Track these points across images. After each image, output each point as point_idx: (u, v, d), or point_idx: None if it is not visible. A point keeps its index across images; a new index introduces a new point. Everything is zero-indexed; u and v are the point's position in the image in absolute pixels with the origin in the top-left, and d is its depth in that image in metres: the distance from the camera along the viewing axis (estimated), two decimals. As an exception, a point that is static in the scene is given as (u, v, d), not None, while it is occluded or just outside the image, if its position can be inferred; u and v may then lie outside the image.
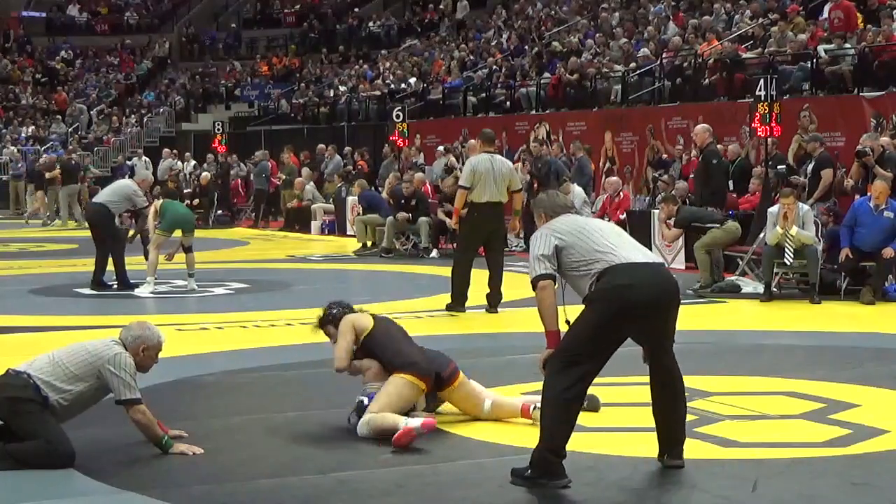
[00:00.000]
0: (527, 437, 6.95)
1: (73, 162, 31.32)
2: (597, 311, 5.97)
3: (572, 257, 6.07)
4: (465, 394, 7.36)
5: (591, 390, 7.02)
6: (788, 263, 13.32)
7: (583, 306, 6.10)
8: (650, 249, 17.33)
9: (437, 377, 7.20)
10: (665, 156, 20.89)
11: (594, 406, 7.41)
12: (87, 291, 14.76)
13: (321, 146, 28.37)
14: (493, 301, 12.62)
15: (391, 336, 7.41)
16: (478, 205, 12.39)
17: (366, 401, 7.03)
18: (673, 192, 16.87)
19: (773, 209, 13.67)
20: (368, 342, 7.32)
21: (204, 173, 29.08)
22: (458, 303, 12.63)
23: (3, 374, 6.60)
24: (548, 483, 5.84)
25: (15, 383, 6.43)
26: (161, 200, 15.40)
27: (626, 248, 6.10)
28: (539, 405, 6.24)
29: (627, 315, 5.96)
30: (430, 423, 6.81)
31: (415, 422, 6.76)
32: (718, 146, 18.85)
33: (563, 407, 5.90)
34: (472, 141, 22.82)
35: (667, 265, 6.13)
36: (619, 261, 5.99)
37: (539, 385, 7.42)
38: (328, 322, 7.51)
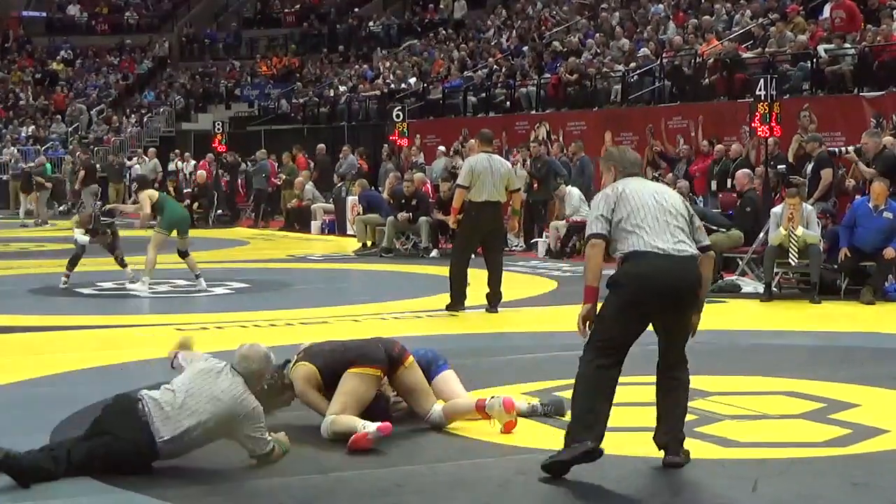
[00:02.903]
0: (527, 437, 6.96)
1: (116, 165, 31.73)
2: (615, 297, 6.17)
3: (619, 225, 6.21)
4: (415, 380, 7.10)
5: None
6: (793, 263, 13.32)
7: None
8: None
9: (390, 360, 7.00)
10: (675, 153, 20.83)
11: (560, 410, 7.34)
12: (87, 291, 14.75)
13: (321, 146, 28.39)
14: (493, 301, 12.61)
15: (327, 352, 7.18)
16: (476, 204, 12.39)
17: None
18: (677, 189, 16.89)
19: (777, 209, 13.66)
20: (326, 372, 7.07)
21: (200, 172, 29.10)
22: (457, 302, 12.62)
23: (139, 415, 6.08)
24: (571, 446, 6.02)
25: (134, 434, 6.01)
26: (157, 192, 15.42)
27: (655, 233, 6.14)
28: (492, 398, 6.81)
29: (641, 305, 6.10)
30: (386, 427, 6.66)
31: (371, 426, 6.63)
32: (719, 146, 18.91)
33: (592, 377, 6.10)
34: (473, 141, 22.89)
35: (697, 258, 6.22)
36: (642, 247, 6.11)
37: (538, 385, 7.46)
38: (274, 395, 6.97)
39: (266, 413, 6.44)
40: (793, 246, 13.19)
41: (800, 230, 13.11)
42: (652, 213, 6.19)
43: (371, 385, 6.97)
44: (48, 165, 34.75)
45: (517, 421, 7.09)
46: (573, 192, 19.19)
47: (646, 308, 6.11)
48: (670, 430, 6.30)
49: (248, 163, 29.72)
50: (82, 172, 30.53)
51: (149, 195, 14.95)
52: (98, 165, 33.03)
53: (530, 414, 7.39)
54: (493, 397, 7.11)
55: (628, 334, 6.14)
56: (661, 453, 6.35)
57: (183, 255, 14.97)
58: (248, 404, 6.17)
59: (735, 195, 15.84)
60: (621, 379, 7.70)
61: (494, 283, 12.63)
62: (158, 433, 6.05)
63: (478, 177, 12.35)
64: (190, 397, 6.12)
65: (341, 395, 6.90)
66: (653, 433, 6.38)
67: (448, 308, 12.60)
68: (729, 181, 17.24)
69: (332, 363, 7.05)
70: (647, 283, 6.07)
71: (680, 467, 6.23)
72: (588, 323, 6.20)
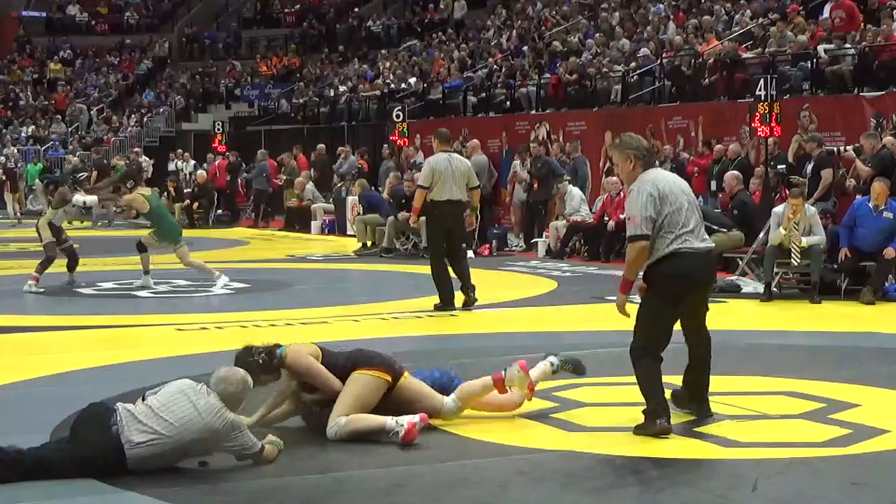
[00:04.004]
0: (527, 437, 6.96)
1: (135, 165, 31.82)
2: (657, 297, 6.85)
3: (662, 225, 6.79)
4: (416, 389, 7.09)
5: (590, 389, 7.08)
6: (796, 264, 13.33)
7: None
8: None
9: (394, 371, 7.00)
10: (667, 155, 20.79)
11: (578, 368, 7.46)
12: (88, 291, 14.75)
13: (321, 146, 28.39)
14: (469, 289, 12.75)
15: (334, 351, 7.22)
16: (439, 203, 12.67)
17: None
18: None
19: (778, 209, 13.66)
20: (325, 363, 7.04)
21: (200, 171, 29.10)
22: (447, 302, 12.71)
23: (109, 426, 6.08)
24: (657, 424, 6.70)
25: (101, 440, 6.02)
26: (149, 191, 15.38)
27: (692, 234, 6.84)
28: (509, 367, 7.14)
29: (680, 299, 6.90)
30: (425, 417, 6.78)
31: (413, 417, 6.72)
32: (719, 146, 18.90)
33: (656, 369, 6.83)
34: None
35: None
36: (685, 247, 6.79)
37: (538, 385, 7.46)
38: (266, 371, 6.88)
39: (256, 384, 6.49)
40: (795, 247, 13.20)
41: (804, 241, 13.11)
42: (687, 212, 6.84)
43: (378, 388, 6.91)
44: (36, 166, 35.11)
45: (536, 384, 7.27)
46: (574, 192, 19.19)
47: (683, 299, 6.90)
48: (699, 397, 7.17)
49: (247, 172, 29.64)
50: (95, 173, 30.48)
51: (142, 197, 14.84)
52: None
53: (551, 375, 7.45)
54: (507, 368, 7.18)
55: (671, 325, 6.95)
56: (663, 452, 6.40)
57: (141, 248, 14.89)
58: (226, 417, 6.11)
59: (729, 198, 15.83)
60: (621, 379, 7.73)
61: (464, 278, 12.79)
62: (129, 440, 6.01)
63: (439, 176, 12.63)
64: (167, 410, 6.09)
65: (350, 395, 6.83)
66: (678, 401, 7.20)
67: (437, 308, 12.67)
68: (714, 183, 17.26)
69: (334, 355, 7.05)
70: (687, 280, 6.87)
71: (711, 416, 7.13)
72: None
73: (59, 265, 14.99)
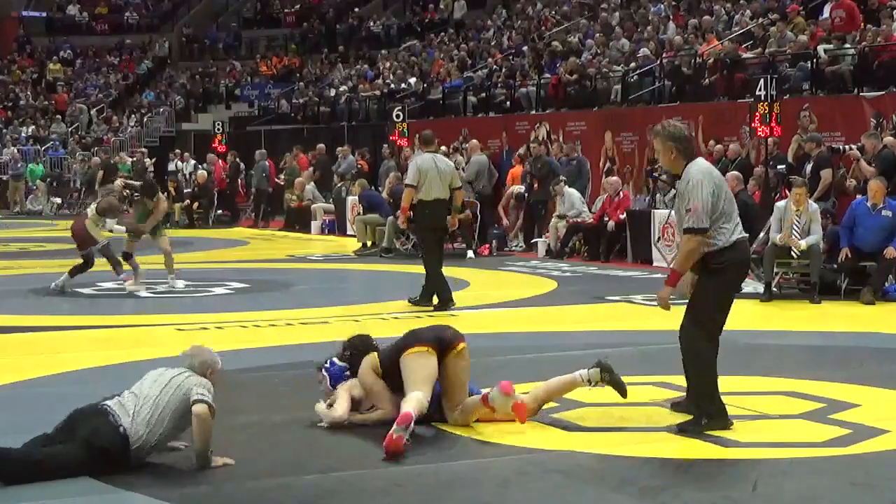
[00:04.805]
0: (527, 437, 6.96)
1: (139, 165, 31.83)
2: (720, 282, 7.01)
3: (719, 216, 6.90)
4: (458, 370, 7.19)
5: (590, 389, 7.08)
6: (796, 257, 13.33)
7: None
8: (650, 250, 17.59)
9: (440, 341, 7.14)
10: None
11: (618, 385, 7.34)
12: (88, 291, 14.74)
13: (321, 146, 28.39)
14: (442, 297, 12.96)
15: (387, 347, 7.40)
16: (427, 202, 12.85)
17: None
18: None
19: (780, 204, 13.67)
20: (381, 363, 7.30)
21: (201, 171, 29.11)
22: (446, 300, 12.86)
23: (106, 415, 6.29)
24: (715, 426, 6.81)
25: (112, 439, 6.19)
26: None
27: (738, 223, 7.02)
28: (492, 390, 7.05)
29: (739, 286, 7.32)
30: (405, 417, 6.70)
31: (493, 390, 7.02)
32: (718, 146, 18.90)
33: (712, 358, 6.97)
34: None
35: (667, 265, 6.82)
36: (738, 237, 6.97)
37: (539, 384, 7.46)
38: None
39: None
40: (794, 250, 13.22)
41: (802, 244, 13.12)
42: (733, 202, 7.04)
43: (427, 360, 7.05)
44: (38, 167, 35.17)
45: (524, 403, 7.14)
46: (570, 193, 19.18)
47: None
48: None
49: (248, 174, 29.64)
50: (101, 172, 30.47)
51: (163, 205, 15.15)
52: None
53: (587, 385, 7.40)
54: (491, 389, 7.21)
55: (725, 311, 7.14)
56: (663, 452, 6.38)
57: (127, 257, 14.92)
58: (197, 382, 6.40)
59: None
60: (622, 379, 7.72)
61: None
62: (127, 426, 6.19)
63: (425, 176, 12.80)
64: (145, 387, 6.40)
65: (409, 380, 6.98)
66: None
67: (437, 308, 12.74)
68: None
69: (387, 350, 7.29)
70: (744, 268, 7.29)
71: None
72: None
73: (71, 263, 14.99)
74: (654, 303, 7.67)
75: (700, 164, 7.05)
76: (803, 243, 13.12)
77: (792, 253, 13.28)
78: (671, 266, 7.00)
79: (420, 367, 7.01)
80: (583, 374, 7.29)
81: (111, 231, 14.86)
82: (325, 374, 7.42)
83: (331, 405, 7.22)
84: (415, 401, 6.76)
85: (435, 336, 7.19)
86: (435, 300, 12.85)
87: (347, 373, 7.37)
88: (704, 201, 6.81)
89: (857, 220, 13.30)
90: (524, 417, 7.07)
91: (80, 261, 14.62)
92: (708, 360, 7.00)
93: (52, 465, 6.07)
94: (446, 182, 12.92)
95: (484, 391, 7.25)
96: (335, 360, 7.45)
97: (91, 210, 14.72)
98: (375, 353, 7.36)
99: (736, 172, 15.93)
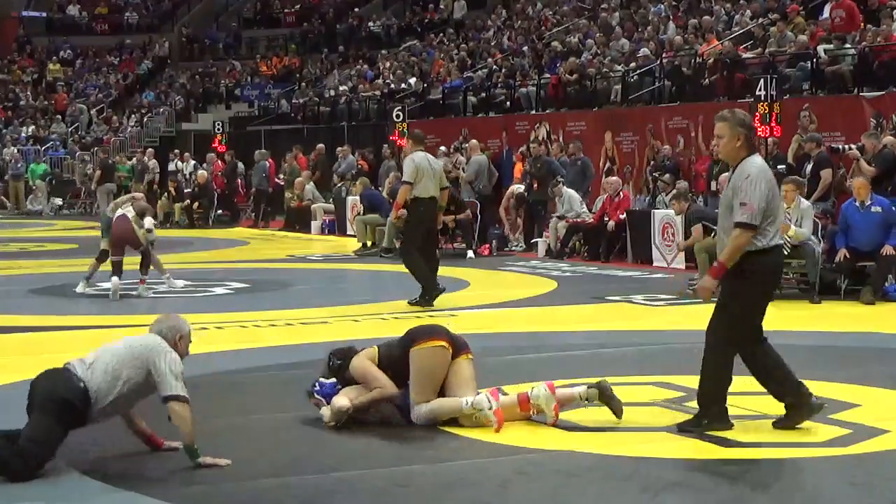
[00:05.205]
0: (527, 437, 6.96)
1: (140, 166, 31.75)
2: (759, 288, 6.95)
3: (766, 216, 6.81)
4: (467, 376, 7.20)
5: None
6: (786, 252, 13.32)
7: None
8: (650, 250, 17.59)
9: (453, 338, 7.19)
10: (667, 155, 20.74)
11: (613, 404, 7.23)
12: (88, 291, 14.71)
13: (320, 146, 28.39)
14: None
15: (391, 342, 7.42)
16: (423, 200, 13.00)
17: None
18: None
19: None
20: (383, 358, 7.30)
21: (201, 171, 29.12)
22: (431, 288, 13.01)
23: (62, 370, 6.56)
24: (716, 427, 6.81)
25: (70, 386, 6.38)
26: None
27: (780, 231, 6.97)
28: (535, 388, 7.05)
29: (772, 292, 7.16)
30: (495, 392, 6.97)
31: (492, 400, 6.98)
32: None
33: (725, 359, 6.99)
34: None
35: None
36: (777, 242, 6.89)
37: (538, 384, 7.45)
38: (339, 375, 7.32)
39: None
40: (786, 237, 13.21)
41: (792, 230, 13.11)
42: (779, 206, 7.03)
43: (440, 357, 7.07)
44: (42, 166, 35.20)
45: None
46: (569, 194, 19.17)
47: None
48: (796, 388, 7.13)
49: (248, 174, 29.62)
50: (98, 172, 30.50)
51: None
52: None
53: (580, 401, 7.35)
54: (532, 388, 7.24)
55: (758, 315, 7.04)
56: (663, 452, 6.40)
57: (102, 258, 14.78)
58: (166, 347, 6.47)
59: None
60: (623, 379, 7.73)
61: (434, 270, 13.22)
62: (82, 375, 6.40)
63: (422, 173, 12.98)
64: (112, 345, 6.63)
65: (414, 375, 7.02)
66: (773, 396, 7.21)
67: (423, 298, 12.91)
68: (714, 183, 17.25)
69: (389, 345, 7.30)
70: (778, 274, 7.27)
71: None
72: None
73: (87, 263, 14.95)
74: (680, 299, 7.66)
75: (759, 161, 7.00)
76: (793, 229, 13.09)
77: (785, 240, 13.25)
78: (718, 259, 6.86)
79: (434, 369, 7.06)
80: (581, 393, 7.25)
81: (148, 231, 14.75)
82: (317, 396, 7.31)
83: None
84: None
85: (448, 335, 7.21)
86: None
87: (339, 386, 7.30)
88: (760, 200, 6.77)
89: (850, 221, 13.36)
90: (556, 419, 7.13)
91: (117, 261, 14.40)
92: (727, 364, 7.00)
93: (25, 449, 6.12)
94: (438, 180, 13.13)
95: (519, 392, 7.24)
96: (321, 380, 7.35)
97: (131, 212, 14.59)
98: (375, 348, 7.34)
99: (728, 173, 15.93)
